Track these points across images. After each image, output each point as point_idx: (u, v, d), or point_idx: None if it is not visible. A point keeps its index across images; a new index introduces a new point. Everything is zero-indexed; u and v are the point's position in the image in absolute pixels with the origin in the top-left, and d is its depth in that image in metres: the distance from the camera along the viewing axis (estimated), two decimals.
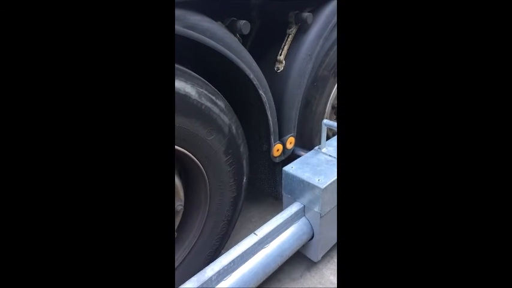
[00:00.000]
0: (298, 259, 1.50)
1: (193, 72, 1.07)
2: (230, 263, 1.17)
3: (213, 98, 1.11)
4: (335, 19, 1.52)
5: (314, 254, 1.47)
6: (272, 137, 1.41)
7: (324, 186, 1.32)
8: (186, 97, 1.02)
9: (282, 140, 1.51)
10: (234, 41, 1.13)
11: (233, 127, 1.21)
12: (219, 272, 1.14)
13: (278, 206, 1.86)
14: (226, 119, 1.17)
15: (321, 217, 1.36)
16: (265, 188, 1.68)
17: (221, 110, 1.14)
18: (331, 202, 1.39)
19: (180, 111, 1.01)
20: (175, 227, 1.27)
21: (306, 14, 1.43)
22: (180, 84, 0.99)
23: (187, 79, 1.02)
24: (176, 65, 1.01)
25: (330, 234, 1.49)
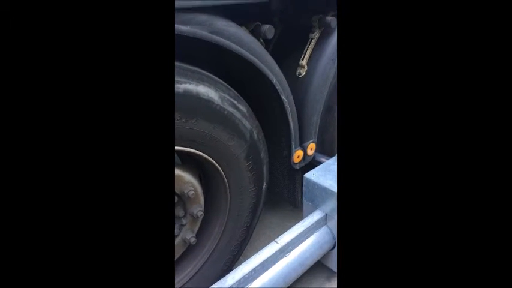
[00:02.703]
0: (318, 268, 1.46)
1: (216, 77, 1.06)
2: (251, 271, 1.14)
3: (235, 103, 1.10)
4: None
5: (335, 264, 1.43)
6: (293, 143, 1.39)
7: None
8: (209, 102, 1.01)
9: (302, 146, 1.48)
10: (258, 46, 1.12)
11: (254, 132, 1.20)
12: (239, 280, 1.12)
13: (297, 213, 1.83)
14: (248, 125, 1.16)
15: None
16: (285, 195, 1.65)
17: (243, 115, 1.13)
18: None
19: (202, 116, 1.01)
20: (195, 232, 1.26)
21: (329, 18, 1.40)
22: (203, 89, 0.99)
23: (210, 84, 1.02)
24: (200, 70, 1.01)
25: None
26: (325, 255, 1.41)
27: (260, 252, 1.20)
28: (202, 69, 1.03)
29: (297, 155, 1.46)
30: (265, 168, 1.32)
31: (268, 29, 1.15)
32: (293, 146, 1.40)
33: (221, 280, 1.10)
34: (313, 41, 1.45)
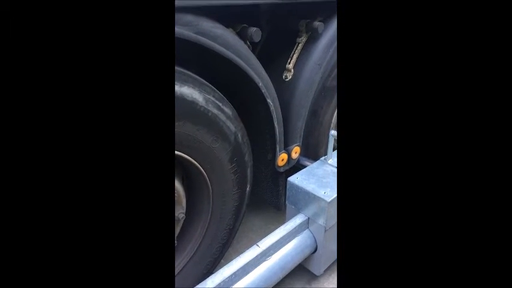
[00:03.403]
0: (299, 272, 1.47)
1: (201, 78, 1.05)
2: (231, 275, 1.14)
3: (220, 105, 1.09)
4: None
5: (316, 267, 1.44)
6: (278, 146, 1.39)
7: (330, 200, 1.29)
8: (193, 103, 1.00)
9: (287, 149, 1.48)
10: (244, 48, 1.12)
11: (239, 135, 1.19)
12: (219, 284, 1.11)
13: (280, 216, 1.83)
14: (232, 127, 1.15)
15: (325, 231, 1.33)
16: (268, 198, 1.65)
17: (228, 117, 1.12)
18: (336, 216, 1.36)
19: (186, 118, 1.00)
20: (176, 234, 1.24)
21: (317, 23, 1.41)
22: (187, 90, 0.98)
23: (195, 85, 1.00)
24: (184, 71, 1.00)
25: (333, 248, 1.45)
26: (307, 259, 1.42)
27: (241, 255, 1.19)
28: (187, 70, 1.01)
29: (282, 159, 1.46)
30: (249, 171, 1.31)
31: (255, 32, 1.15)
32: (278, 150, 1.40)
33: (201, 283, 1.09)
34: (300, 45, 1.45)
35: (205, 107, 1.04)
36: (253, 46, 1.30)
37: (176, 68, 0.97)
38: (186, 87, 0.97)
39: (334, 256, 1.51)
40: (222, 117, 1.10)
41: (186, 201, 1.21)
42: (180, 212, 1.18)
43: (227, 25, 1.10)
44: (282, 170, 1.51)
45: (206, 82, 1.07)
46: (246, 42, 1.17)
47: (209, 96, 1.05)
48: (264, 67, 1.23)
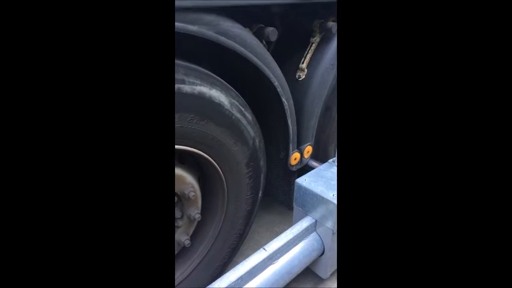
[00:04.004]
0: (306, 274, 1.46)
1: (226, 83, 1.07)
2: (238, 279, 1.12)
3: (243, 110, 1.11)
4: None
5: (323, 270, 1.43)
6: (291, 145, 1.39)
7: None
8: (219, 106, 1.03)
9: (299, 148, 1.48)
10: (260, 47, 1.10)
11: (257, 140, 1.21)
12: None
13: (286, 217, 1.82)
14: (252, 132, 1.17)
15: (333, 233, 1.32)
16: (280, 196, 1.65)
17: (249, 122, 1.14)
18: None
19: (212, 119, 1.02)
20: (189, 235, 1.23)
21: (330, 24, 1.39)
22: (215, 93, 1.00)
23: (222, 89, 1.03)
24: (213, 74, 1.01)
25: None
26: (314, 262, 1.41)
27: (248, 259, 1.18)
28: (206, 69, 1.01)
29: (294, 158, 1.46)
30: (262, 177, 1.32)
31: (271, 32, 1.14)
32: (291, 149, 1.40)
33: (208, 286, 1.08)
34: (313, 45, 1.43)
35: (230, 110, 1.06)
36: (268, 45, 1.28)
37: (206, 71, 0.99)
38: (214, 90, 1.00)
39: None
40: (244, 121, 1.12)
41: (202, 202, 1.21)
42: (196, 212, 1.18)
43: (244, 25, 1.08)
44: (294, 169, 1.50)
45: (231, 87, 1.09)
46: (262, 42, 1.15)
47: (234, 101, 1.07)
48: (278, 66, 1.22)
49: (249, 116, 1.14)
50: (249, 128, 1.13)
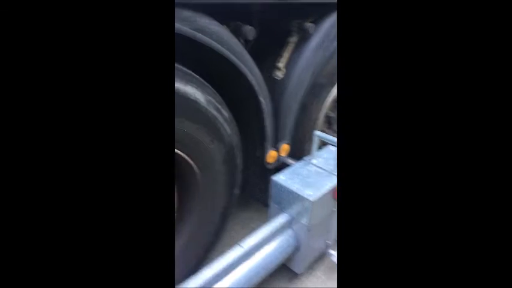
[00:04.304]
0: (281, 270, 1.49)
1: (203, 80, 1.06)
2: (213, 276, 1.13)
3: (219, 107, 1.11)
4: (335, 31, 1.52)
5: (297, 266, 1.47)
6: (267, 144, 1.40)
7: (314, 199, 1.31)
8: (195, 103, 1.02)
9: (276, 146, 1.50)
10: (238, 46, 1.11)
11: (234, 138, 1.20)
12: (201, 285, 1.09)
13: (263, 213, 1.84)
14: (228, 129, 1.16)
15: (308, 230, 1.36)
16: (256, 194, 1.66)
17: (225, 119, 1.14)
18: (319, 215, 1.39)
19: (187, 116, 1.01)
20: None
21: (308, 24, 1.42)
22: (191, 90, 0.99)
23: (198, 86, 1.02)
24: (189, 71, 1.00)
25: (314, 247, 1.49)
26: (289, 257, 1.44)
27: (223, 256, 1.18)
28: (183, 65, 1.00)
29: (271, 156, 1.47)
30: (239, 174, 1.32)
31: (249, 30, 1.14)
32: (267, 147, 1.41)
33: (182, 284, 1.08)
34: (291, 45, 1.45)
35: (207, 107, 1.05)
36: (246, 44, 1.28)
37: (181, 67, 0.98)
38: (190, 86, 0.98)
39: (315, 254, 1.54)
40: (221, 119, 1.11)
41: (177, 200, 1.20)
42: None
43: (222, 22, 1.08)
44: (270, 167, 1.52)
45: (208, 84, 1.08)
46: (239, 40, 1.15)
47: (210, 98, 1.06)
48: (256, 65, 1.23)
49: (226, 113, 1.13)
50: (225, 125, 1.13)
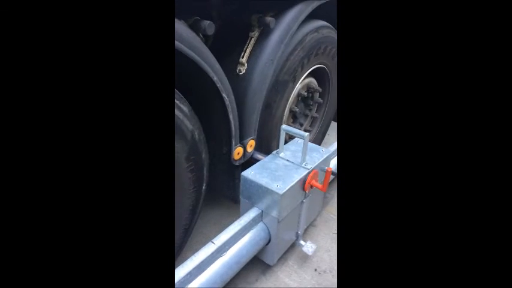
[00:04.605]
0: (254, 262, 1.51)
1: None
2: (187, 274, 1.12)
3: (178, 103, 1.06)
4: (295, 26, 1.54)
5: (270, 257, 1.49)
6: (233, 140, 1.39)
7: (283, 192, 1.33)
8: None
9: (242, 143, 1.49)
10: (198, 41, 1.08)
11: (196, 133, 1.16)
12: (175, 283, 1.08)
13: (233, 209, 1.84)
14: (189, 125, 1.12)
15: (278, 222, 1.38)
16: (225, 191, 1.65)
17: (185, 115, 1.09)
18: (288, 207, 1.41)
19: None
20: None
21: (268, 19, 1.42)
22: None
23: None
24: None
25: (285, 238, 1.51)
26: (261, 250, 1.46)
27: (196, 254, 1.18)
28: None
29: (237, 152, 1.47)
30: (205, 170, 1.29)
31: (208, 25, 1.12)
32: (233, 143, 1.40)
33: None
34: (252, 39, 1.45)
35: None
36: (206, 39, 1.26)
37: None
38: None
39: (286, 246, 1.57)
40: (180, 115, 1.06)
41: None
42: None
43: (179, 17, 1.04)
44: (237, 163, 1.51)
45: None
46: (198, 35, 1.13)
47: None
48: (217, 61, 1.21)
49: (185, 108, 1.09)
50: (185, 121, 1.09)
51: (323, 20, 1.81)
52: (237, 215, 1.44)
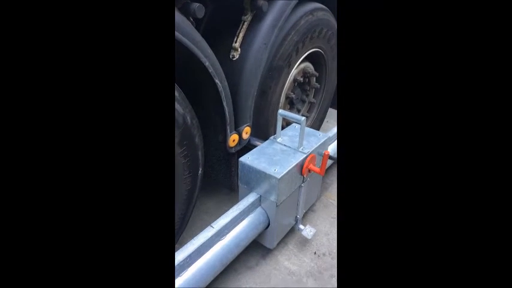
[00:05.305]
0: (254, 247, 1.52)
1: None
2: (186, 258, 1.13)
3: None
4: (288, 10, 1.52)
5: (269, 241, 1.50)
6: (228, 127, 1.38)
7: (280, 176, 1.33)
8: None
9: (238, 130, 1.48)
10: (188, 25, 1.06)
11: (188, 117, 1.15)
12: (174, 268, 1.10)
13: (233, 196, 1.86)
14: (180, 109, 1.10)
15: (276, 206, 1.39)
16: (221, 179, 1.65)
17: (176, 99, 1.07)
18: (286, 191, 1.42)
19: None
20: None
21: (261, 2, 1.40)
22: None
23: None
24: None
25: (284, 222, 1.53)
26: (261, 234, 1.47)
27: (195, 238, 1.19)
28: None
29: (233, 139, 1.46)
30: (200, 154, 1.28)
31: (198, 8, 1.10)
32: (228, 130, 1.39)
33: None
34: (245, 23, 1.43)
35: None
36: (197, 23, 1.25)
37: None
38: None
39: (286, 230, 1.58)
40: None
41: None
42: None
43: None
44: (233, 150, 1.51)
45: None
46: (189, 19, 1.12)
47: None
48: (209, 46, 1.20)
49: (176, 92, 1.08)
50: (176, 105, 1.08)
51: (317, 2, 1.79)
52: (237, 202, 1.45)
